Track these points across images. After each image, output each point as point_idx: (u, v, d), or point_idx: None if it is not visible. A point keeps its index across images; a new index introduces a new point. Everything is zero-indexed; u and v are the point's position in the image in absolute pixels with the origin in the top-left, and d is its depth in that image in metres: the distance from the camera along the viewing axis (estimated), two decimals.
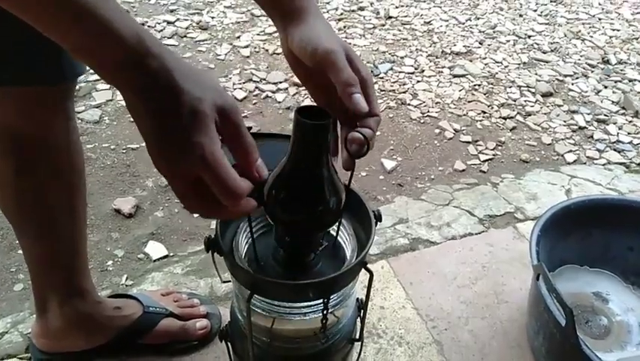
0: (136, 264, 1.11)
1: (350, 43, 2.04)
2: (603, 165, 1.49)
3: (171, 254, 1.13)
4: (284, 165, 0.51)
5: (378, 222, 0.64)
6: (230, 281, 0.65)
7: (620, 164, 1.50)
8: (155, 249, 1.14)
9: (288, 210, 0.53)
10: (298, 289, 0.54)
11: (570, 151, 1.54)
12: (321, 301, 0.56)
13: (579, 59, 2.03)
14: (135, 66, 0.36)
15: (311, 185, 0.51)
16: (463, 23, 2.26)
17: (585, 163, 1.50)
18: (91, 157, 1.39)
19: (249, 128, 0.55)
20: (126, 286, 1.05)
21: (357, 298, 0.73)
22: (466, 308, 1.01)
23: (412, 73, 1.88)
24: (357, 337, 0.70)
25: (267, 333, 0.62)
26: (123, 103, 1.67)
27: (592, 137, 1.61)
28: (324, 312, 0.57)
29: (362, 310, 0.69)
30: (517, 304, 1.02)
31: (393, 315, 0.99)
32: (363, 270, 0.60)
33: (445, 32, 2.17)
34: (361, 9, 2.32)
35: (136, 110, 0.38)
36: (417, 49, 2.04)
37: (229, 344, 0.70)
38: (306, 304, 0.58)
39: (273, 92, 1.72)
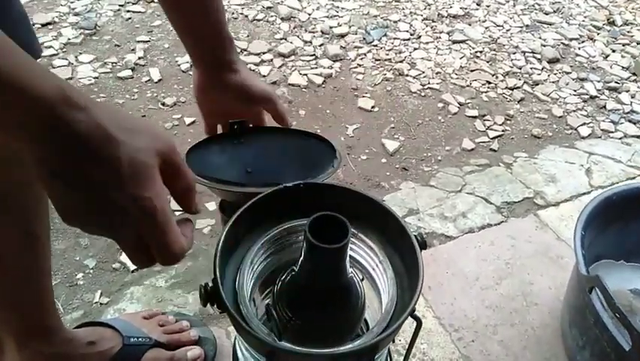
0: (111, 275, 0.96)
1: (338, 7, 1.85)
2: (620, 138, 1.38)
3: None
4: (295, 280, 0.48)
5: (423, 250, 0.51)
6: None
7: (638, 137, 1.39)
8: None
9: (306, 337, 0.46)
10: (333, 360, 0.41)
11: (584, 124, 1.42)
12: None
13: (583, 21, 1.89)
14: (57, 123, 0.30)
15: (330, 307, 0.48)
16: None
17: (600, 137, 1.38)
18: None
19: (240, 122, 0.63)
20: (100, 304, 0.90)
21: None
22: (492, 314, 0.90)
23: (408, 39, 1.72)
24: None
25: None
26: (85, 82, 1.46)
27: (604, 107, 1.49)
28: None
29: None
30: (548, 306, 0.91)
31: (414, 327, 0.87)
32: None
33: None
34: None
35: (61, 176, 0.31)
36: (411, 12, 1.86)
37: None
38: None
39: (256, 64, 1.54)
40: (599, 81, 1.59)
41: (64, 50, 1.52)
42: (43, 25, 1.61)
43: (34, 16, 1.64)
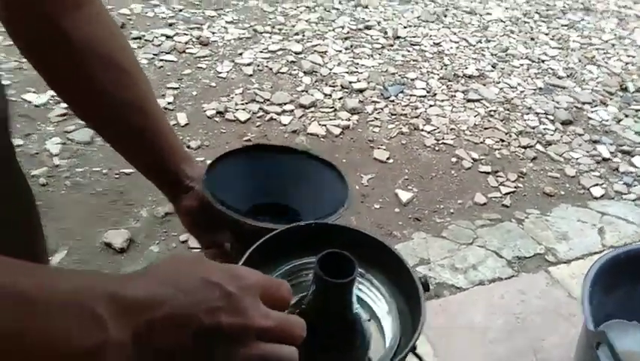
0: None
1: (357, 63, 1.95)
2: (633, 200, 1.39)
3: None
4: (301, 313, 0.48)
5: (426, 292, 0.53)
6: None
7: None
8: None
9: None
10: None
11: (597, 185, 1.44)
12: None
13: (596, 86, 1.95)
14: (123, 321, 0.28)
15: (336, 335, 0.49)
16: (474, 45, 2.18)
17: (614, 198, 1.40)
18: (80, 182, 1.27)
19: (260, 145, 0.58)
20: None
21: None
22: None
23: (424, 96, 1.79)
24: None
25: None
26: None
27: (617, 169, 1.52)
28: None
29: None
30: None
31: None
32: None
33: (456, 54, 2.09)
34: (368, 28, 2.24)
35: None
36: (428, 71, 1.95)
37: None
38: None
39: (278, 113, 1.62)
40: (611, 144, 1.63)
41: None
42: None
43: None
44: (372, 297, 0.58)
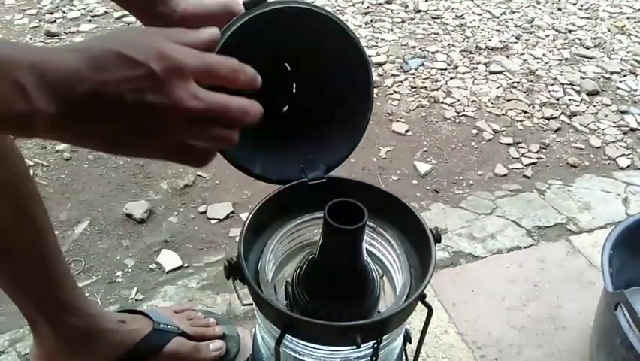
0: (147, 275, 1.01)
1: (377, 37, 1.92)
2: None
3: (186, 265, 1.03)
4: (313, 264, 0.50)
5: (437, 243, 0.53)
6: (252, 304, 0.54)
7: None
8: (169, 259, 1.04)
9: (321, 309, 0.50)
10: (343, 332, 0.43)
11: (623, 155, 1.40)
12: (370, 345, 0.45)
13: (626, 56, 1.88)
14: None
15: (345, 283, 0.51)
16: (498, 17, 2.12)
17: None
18: (102, 157, 1.29)
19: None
20: (136, 300, 0.95)
21: (405, 329, 0.61)
22: (517, 335, 0.89)
23: (445, 69, 1.75)
24: None
25: None
26: None
27: None
28: (373, 359, 0.45)
29: (414, 345, 0.57)
30: (577, 330, 0.89)
31: (435, 341, 0.87)
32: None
33: (479, 27, 2.04)
34: (389, 2, 2.20)
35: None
36: (449, 44, 1.91)
37: None
38: (350, 348, 0.46)
39: None
40: None
41: None
42: None
43: None
44: (383, 252, 0.59)
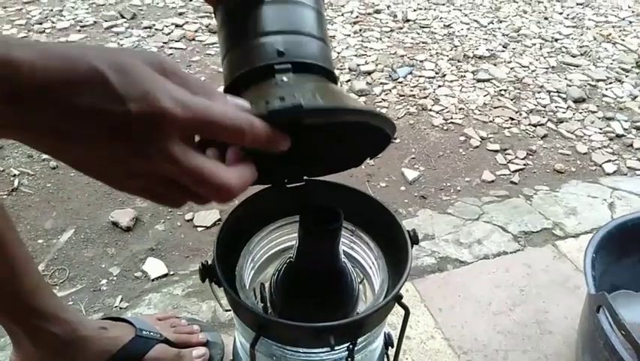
0: (132, 283, 1.00)
1: (367, 47, 1.94)
2: None
3: (171, 272, 1.02)
4: (291, 268, 0.50)
5: (414, 245, 0.53)
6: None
7: None
8: (154, 266, 1.03)
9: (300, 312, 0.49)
10: (316, 333, 0.43)
11: (609, 161, 1.41)
12: (344, 346, 0.45)
13: (611, 63, 1.90)
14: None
15: (322, 286, 0.50)
16: (485, 26, 2.14)
17: (626, 174, 1.37)
18: None
19: None
20: (120, 308, 0.94)
21: (385, 333, 0.61)
22: (504, 339, 0.88)
23: (433, 77, 1.77)
24: None
25: None
26: None
27: (631, 145, 1.48)
28: (349, 360, 0.45)
29: (394, 348, 0.57)
30: (563, 335, 0.89)
31: (421, 347, 0.86)
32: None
33: (467, 36, 2.06)
34: (378, 12, 2.22)
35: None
36: (437, 52, 1.92)
37: None
38: (325, 350, 0.46)
39: None
40: (626, 121, 1.59)
41: None
42: None
43: None
44: (363, 255, 0.59)
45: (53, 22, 1.98)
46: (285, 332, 0.43)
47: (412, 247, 0.52)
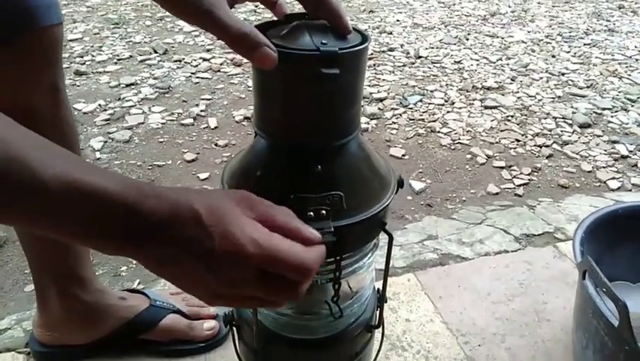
0: None
1: (380, 78, 2.05)
2: None
3: None
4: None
5: (399, 189, 0.59)
6: None
7: None
8: None
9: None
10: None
11: (613, 178, 1.44)
12: (332, 259, 0.50)
13: (617, 95, 1.96)
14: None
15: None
16: (494, 62, 2.25)
17: (630, 190, 1.40)
18: (117, 171, 1.39)
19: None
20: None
21: (377, 289, 0.66)
22: (502, 325, 0.91)
23: (442, 104, 1.86)
24: (377, 323, 0.62)
25: None
26: (154, 126, 1.68)
27: (636, 165, 1.51)
28: (336, 273, 0.51)
29: (381, 287, 0.61)
30: (561, 323, 0.91)
31: (420, 328, 0.90)
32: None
33: (476, 70, 2.16)
34: (391, 50, 2.36)
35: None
36: (447, 84, 2.03)
37: (234, 329, 0.64)
38: None
39: None
40: (631, 144, 1.63)
41: (141, 103, 1.79)
42: (127, 85, 1.91)
43: (122, 78, 1.95)
44: None
45: (93, 56, 2.16)
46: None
47: (398, 190, 0.58)
